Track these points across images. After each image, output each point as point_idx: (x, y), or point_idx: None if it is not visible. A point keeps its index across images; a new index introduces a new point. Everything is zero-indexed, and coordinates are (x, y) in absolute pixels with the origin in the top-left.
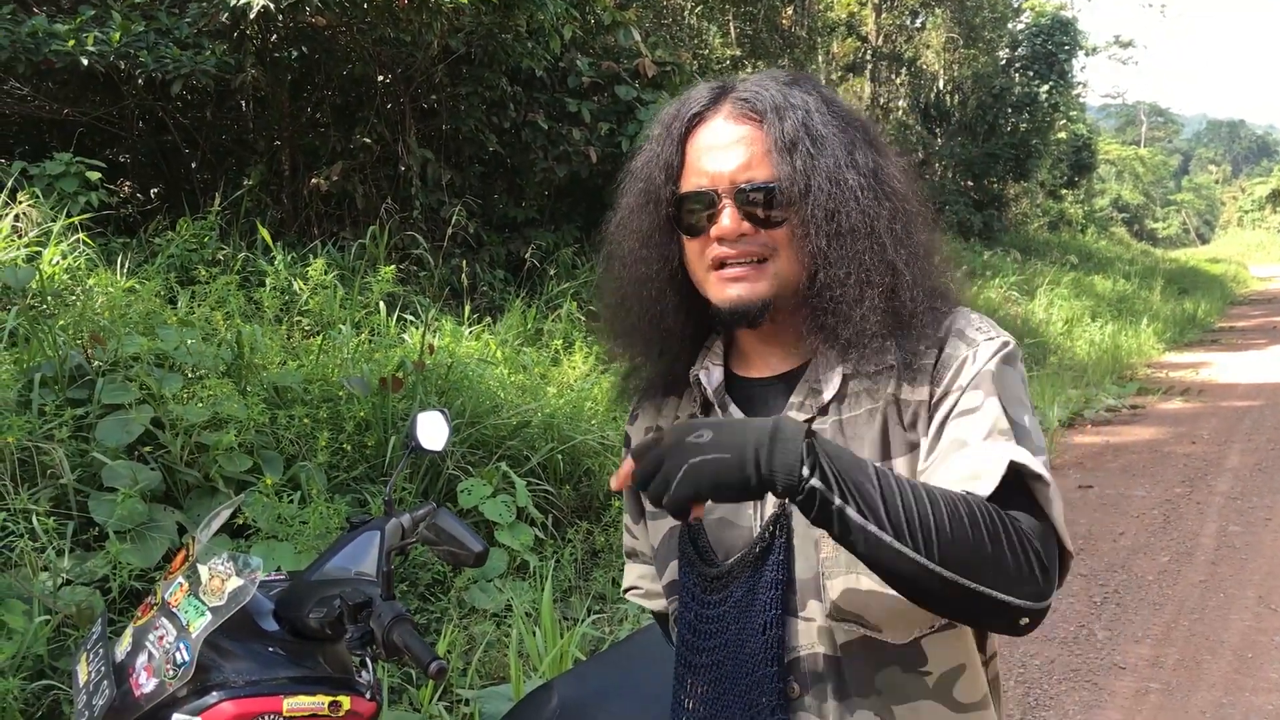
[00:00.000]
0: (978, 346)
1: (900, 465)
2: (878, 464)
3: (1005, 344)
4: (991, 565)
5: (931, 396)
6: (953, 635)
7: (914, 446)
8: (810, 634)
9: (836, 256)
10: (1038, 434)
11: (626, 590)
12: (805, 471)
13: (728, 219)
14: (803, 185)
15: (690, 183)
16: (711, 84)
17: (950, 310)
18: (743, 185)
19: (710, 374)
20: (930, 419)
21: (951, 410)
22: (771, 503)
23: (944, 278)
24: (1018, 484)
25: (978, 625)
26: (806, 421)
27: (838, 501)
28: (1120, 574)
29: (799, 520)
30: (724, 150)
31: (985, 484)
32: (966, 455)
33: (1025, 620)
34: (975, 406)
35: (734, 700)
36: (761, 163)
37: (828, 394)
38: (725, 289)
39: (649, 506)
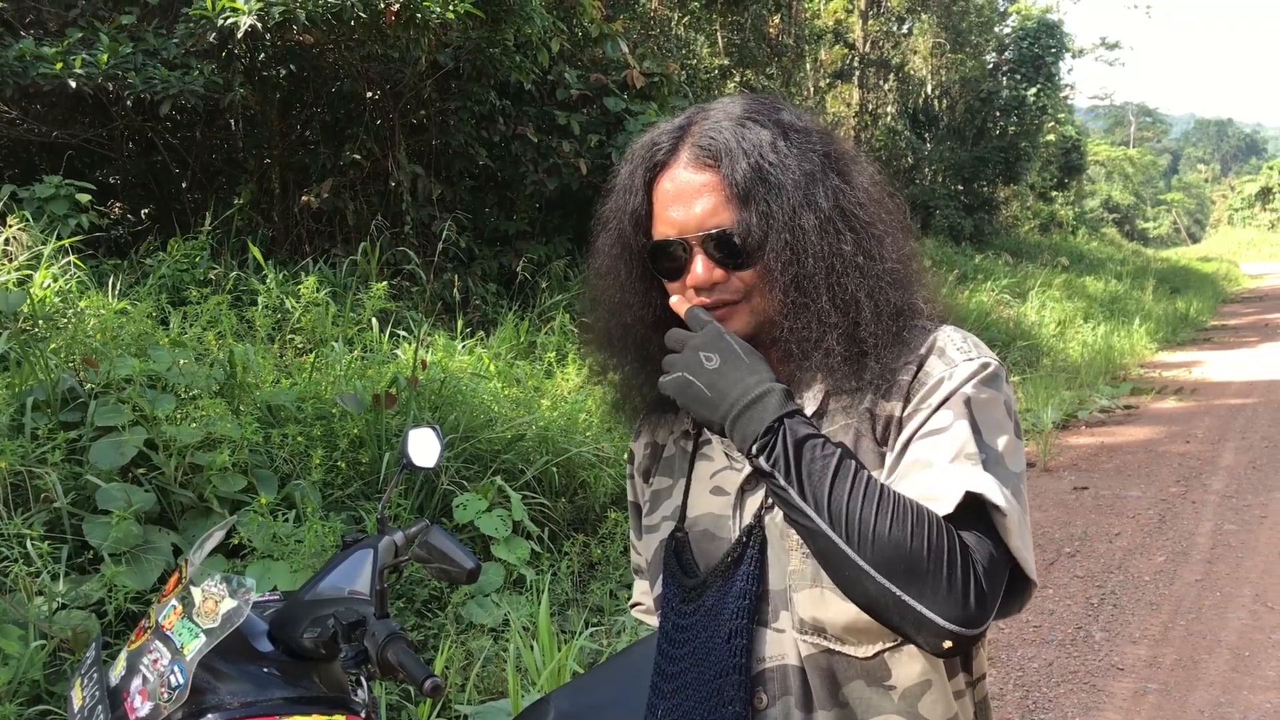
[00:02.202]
0: (956, 366)
1: None
2: (853, 458)
3: (986, 365)
4: (921, 577)
5: (902, 412)
6: (918, 650)
7: (885, 459)
8: (780, 645)
9: (795, 304)
10: (1014, 459)
11: (632, 605)
12: (754, 449)
13: (700, 267)
14: (760, 236)
15: (660, 232)
16: (675, 123)
17: (936, 326)
18: (708, 233)
19: None
20: (899, 434)
21: (919, 428)
22: (748, 513)
23: (920, 290)
24: (978, 511)
25: (901, 635)
26: (789, 403)
27: (781, 481)
28: (1117, 575)
29: (773, 532)
30: (687, 200)
31: (941, 506)
32: (928, 476)
33: (948, 644)
34: (943, 427)
35: (696, 707)
36: (723, 210)
37: (809, 411)
38: None
39: (645, 522)
